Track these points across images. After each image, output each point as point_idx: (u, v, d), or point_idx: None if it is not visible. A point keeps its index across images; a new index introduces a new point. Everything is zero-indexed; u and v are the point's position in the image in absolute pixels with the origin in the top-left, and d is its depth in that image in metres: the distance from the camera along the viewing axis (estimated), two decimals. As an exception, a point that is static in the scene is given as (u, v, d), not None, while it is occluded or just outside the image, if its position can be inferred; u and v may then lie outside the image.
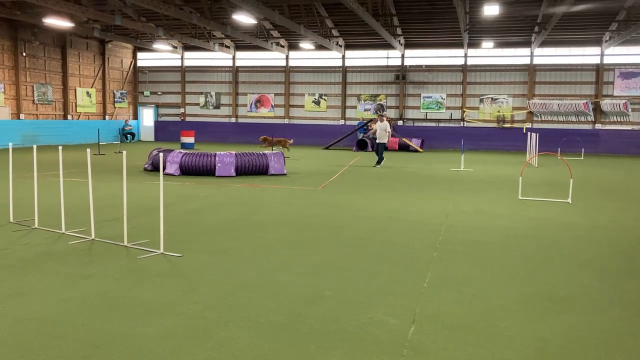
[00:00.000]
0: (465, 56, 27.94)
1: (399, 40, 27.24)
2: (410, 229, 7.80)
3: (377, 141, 17.77)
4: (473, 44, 27.23)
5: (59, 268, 5.56)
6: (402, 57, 28.65)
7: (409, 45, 28.40)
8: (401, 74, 28.46)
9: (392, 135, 26.21)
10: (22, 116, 25.07)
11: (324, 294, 4.89)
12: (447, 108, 28.48)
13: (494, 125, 27.92)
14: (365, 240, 7.05)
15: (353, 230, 7.67)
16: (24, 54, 25.00)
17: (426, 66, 28.55)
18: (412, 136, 26.87)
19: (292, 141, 22.86)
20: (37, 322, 4.16)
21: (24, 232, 7.14)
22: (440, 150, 27.19)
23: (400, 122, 28.85)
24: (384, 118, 17.93)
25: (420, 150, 25.26)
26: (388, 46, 27.34)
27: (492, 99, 27.91)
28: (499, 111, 27.85)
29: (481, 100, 28.06)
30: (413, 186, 12.78)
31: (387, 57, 29.17)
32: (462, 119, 28.21)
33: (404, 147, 25.54)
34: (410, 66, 28.75)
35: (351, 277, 5.40)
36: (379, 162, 17.74)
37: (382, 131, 17.65)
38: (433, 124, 28.68)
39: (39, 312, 4.34)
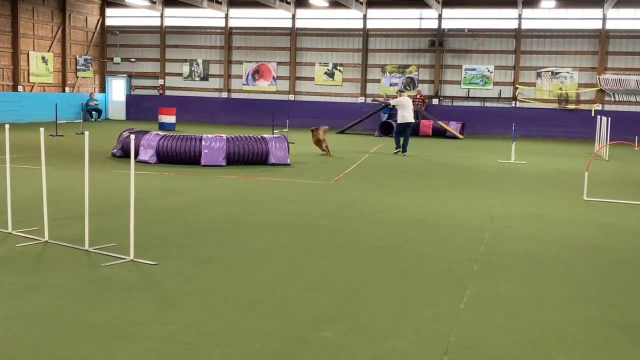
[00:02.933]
0: (520, 18, 27.77)
1: (436, -3, 27.12)
2: (444, 235, 7.78)
3: (400, 122, 18.23)
4: (529, 3, 27.06)
5: (3, 276, 5.60)
6: (439, 18, 28.54)
7: (447, 2, 28.28)
8: (437, 40, 28.37)
9: (424, 117, 26.19)
10: (-39, 86, 25.29)
11: (333, 315, 4.89)
12: (495, 84, 28.36)
13: (555, 106, 27.77)
14: (387, 248, 7.04)
15: (372, 236, 7.66)
16: (-35, 9, 25.20)
17: (469, 30, 28.42)
18: (449, 119, 26.81)
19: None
20: (-25, 343, 4.19)
21: (-40, 231, 7.20)
22: (485, 136, 27.10)
23: (435, 101, 28.77)
24: (404, 94, 18.62)
25: (460, 136, 25.20)
26: (421, 3, 27.23)
27: (552, 73, 27.75)
28: (560, 89, 27.68)
29: (539, 75, 27.90)
30: (449, 182, 12.74)
31: (420, 18, 29.08)
32: (514, 98, 28.08)
33: (440, 133, 25.49)
34: (449, 30, 28.63)
35: (369, 295, 5.39)
36: (404, 150, 18.16)
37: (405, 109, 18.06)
38: (477, 104, 28.57)
39: (-22, 332, 4.37)
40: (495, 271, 6.26)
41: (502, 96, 28.30)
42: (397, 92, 20.30)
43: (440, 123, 25.46)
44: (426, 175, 13.65)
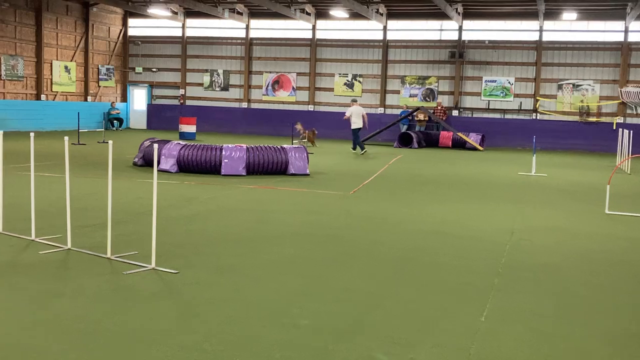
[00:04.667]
0: (541, 30, 27.67)
1: (456, 8, 27.12)
2: (464, 248, 7.76)
3: (353, 127, 21.52)
4: (551, 15, 26.95)
5: (27, 283, 5.67)
6: (460, 29, 28.52)
7: (468, 14, 28.25)
8: (458, 52, 28.33)
9: (444, 129, 26.17)
10: (-14, 95, 25.66)
11: (354, 326, 4.89)
12: (516, 96, 28.25)
13: (576, 118, 27.58)
14: (407, 260, 7.03)
15: (392, 247, 7.65)
16: (-9, 19, 25.59)
17: (490, 42, 28.36)
18: (469, 130, 26.72)
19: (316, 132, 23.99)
20: (4, 349, 4.24)
21: (-15, 237, 7.31)
22: (506, 148, 26.98)
23: (455, 112, 28.71)
24: (355, 104, 22.10)
25: (480, 148, 25.10)
26: (442, 15, 27.24)
27: (573, 85, 27.58)
28: (582, 101, 27.51)
29: (559, 87, 27.76)
30: (469, 194, 12.70)
31: (441, 30, 29.08)
32: (535, 110, 27.95)
33: (460, 144, 25.42)
34: (469, 41, 28.60)
35: (389, 307, 5.39)
36: (362, 148, 21.44)
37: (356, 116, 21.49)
38: (497, 116, 28.47)
39: (3, 337, 4.42)
40: (516, 284, 6.23)
41: (522, 108, 28.17)
42: (350, 102, 23.13)
43: (460, 134, 25.39)
44: (446, 187, 13.62)
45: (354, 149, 21.97)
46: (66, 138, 6.91)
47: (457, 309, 5.41)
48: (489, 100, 28.58)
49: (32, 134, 7.32)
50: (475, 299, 5.67)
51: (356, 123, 21.56)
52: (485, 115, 28.62)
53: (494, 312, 5.32)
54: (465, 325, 4.99)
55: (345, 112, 22.57)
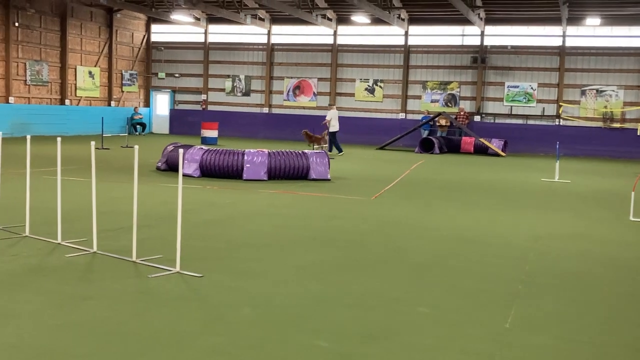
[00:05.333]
0: (564, 35, 27.48)
1: (478, 14, 27.03)
2: (488, 254, 7.72)
3: (331, 130, 22.47)
4: (574, 20, 26.76)
5: (54, 286, 5.74)
6: (482, 35, 28.41)
7: (490, 20, 28.14)
8: (480, 57, 28.22)
9: (466, 135, 26.06)
10: (11, 99, 26.01)
11: (378, 331, 4.90)
12: (539, 101, 28.07)
13: (599, 124, 27.32)
14: (430, 266, 7.02)
15: (415, 253, 7.65)
16: (17, 24, 25.94)
17: (512, 47, 28.22)
18: (491, 136, 26.59)
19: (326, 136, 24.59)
20: (29, 350, 4.30)
21: (12, 240, 7.40)
22: (528, 154, 26.79)
23: (477, 118, 28.59)
24: (334, 107, 23.27)
25: (503, 154, 24.96)
26: (464, 21, 27.16)
27: (597, 91, 27.34)
28: (605, 107, 27.25)
29: (583, 93, 27.52)
30: (492, 200, 12.64)
31: (463, 35, 28.99)
32: (558, 116, 27.73)
33: (482, 150, 25.29)
34: (491, 47, 28.48)
35: (412, 313, 5.38)
36: (340, 150, 22.37)
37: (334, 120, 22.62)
38: (520, 121, 28.30)
39: (31, 339, 4.49)
40: (540, 291, 6.19)
41: (545, 114, 27.98)
42: (328, 106, 24.29)
43: (482, 140, 25.27)
44: (468, 193, 13.56)
45: (330, 150, 22.41)
46: (92, 143, 6.99)
47: (481, 315, 5.39)
48: (511, 106, 28.42)
49: (59, 139, 7.41)
50: (499, 306, 5.65)
51: (335, 126, 22.67)
52: (508, 120, 28.46)
53: (519, 319, 5.29)
54: (490, 332, 4.97)
55: (327, 116, 23.08)
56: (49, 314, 5.02)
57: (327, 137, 23.29)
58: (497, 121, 28.60)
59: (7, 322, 4.79)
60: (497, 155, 24.83)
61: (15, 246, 7.16)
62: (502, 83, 28.46)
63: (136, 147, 6.67)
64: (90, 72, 29.86)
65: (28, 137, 7.86)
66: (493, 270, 6.92)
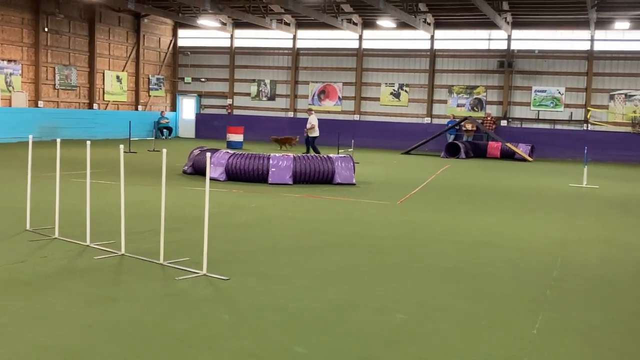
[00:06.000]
0: (592, 39, 27.21)
1: (505, 18, 26.89)
2: (514, 259, 7.67)
3: (311, 135, 22.88)
4: (602, 24, 26.48)
5: (83, 287, 5.82)
6: (509, 39, 28.25)
7: (517, 24, 27.97)
8: (507, 61, 28.05)
9: (492, 139, 25.91)
10: (40, 103, 26.42)
11: (403, 336, 4.89)
12: (566, 106, 27.81)
13: (628, 129, 26.98)
14: (455, 271, 6.99)
15: (439, 258, 7.62)
16: (46, 29, 26.35)
17: (539, 51, 28.01)
18: (518, 141, 26.39)
19: (298, 139, 25.40)
20: (58, 350, 4.37)
21: (42, 242, 7.52)
22: (556, 159, 26.54)
23: (504, 122, 28.39)
24: (312, 112, 23.59)
25: (530, 159, 24.76)
26: (490, 25, 27.02)
27: (625, 95, 27.02)
28: (634, 112, 26.91)
29: (611, 97, 27.22)
30: (519, 205, 12.55)
31: (489, 39, 28.86)
32: (586, 121, 27.44)
33: (509, 155, 25.12)
34: (518, 51, 28.30)
35: (438, 317, 5.37)
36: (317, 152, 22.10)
37: (309, 124, 22.82)
38: (547, 126, 28.08)
39: (60, 339, 4.56)
40: (568, 297, 6.14)
41: (573, 119, 27.70)
42: (309, 111, 24.28)
43: (509, 145, 25.09)
44: (495, 198, 13.47)
45: (310, 152, 22.53)
46: (121, 146, 7.09)
47: (508, 320, 5.36)
48: (538, 111, 28.19)
49: (88, 142, 7.52)
50: (526, 311, 5.61)
51: (317, 131, 23.11)
52: (535, 125, 28.24)
53: (546, 325, 5.25)
54: (517, 337, 4.95)
55: (310, 121, 23.06)
56: (78, 315, 5.09)
57: (297, 137, 24.44)
58: (524, 126, 28.40)
59: (37, 323, 4.87)
60: (524, 160, 24.64)
61: (45, 248, 7.27)
62: (529, 87, 28.26)
63: (164, 150, 6.75)
64: (117, 77, 30.22)
65: (58, 140, 7.98)
66: (520, 276, 6.87)
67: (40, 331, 4.70)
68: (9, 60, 25.09)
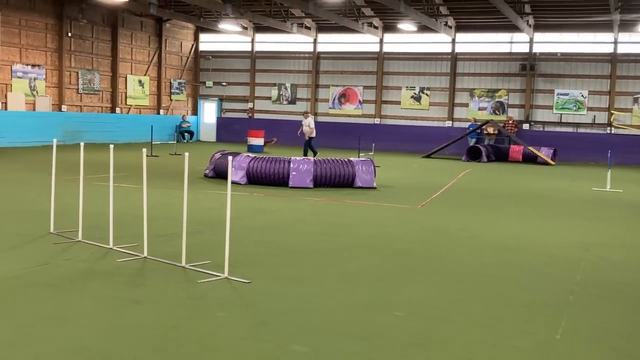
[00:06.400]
0: (615, 42, 26.93)
1: (527, 21, 26.71)
2: (537, 264, 7.62)
3: (310, 137, 22.95)
4: (626, 26, 26.20)
5: (106, 290, 5.88)
6: (531, 41, 28.06)
7: (539, 26, 27.77)
8: (529, 64, 27.87)
9: (514, 143, 25.75)
10: (64, 108, 26.70)
11: (424, 340, 4.88)
12: (589, 109, 27.54)
13: (653, 132, 26.65)
14: (476, 275, 6.96)
15: (461, 262, 7.59)
16: (70, 34, 26.65)
17: (562, 54, 27.78)
18: (540, 144, 26.17)
19: (275, 140, 25.74)
20: (82, 352, 4.41)
21: (65, 245, 7.61)
22: (579, 163, 26.30)
23: (526, 126, 28.21)
24: (309, 115, 23.69)
25: (552, 162, 24.55)
26: (512, 27, 26.86)
27: (650, 98, 26.70)
28: (659, 114, 26.57)
29: (635, 100, 26.91)
30: (541, 209, 12.45)
31: (511, 42, 28.68)
32: (609, 124, 27.15)
33: (531, 158, 24.92)
34: (540, 54, 28.10)
35: (459, 322, 5.35)
36: (315, 154, 22.38)
37: (306, 127, 22.93)
38: (570, 129, 27.82)
39: (85, 341, 4.60)
40: (592, 302, 6.08)
41: (596, 122, 27.43)
42: (305, 113, 24.21)
43: (531, 149, 24.91)
44: (517, 202, 13.38)
45: (305, 154, 22.55)
46: (144, 150, 7.15)
47: (531, 325, 5.32)
48: (561, 114, 27.95)
49: (111, 146, 7.60)
50: (549, 316, 5.56)
51: (313, 133, 23.24)
52: (557, 129, 28.00)
53: (570, 330, 5.21)
54: (540, 343, 4.91)
55: (307, 125, 23.04)
56: (101, 317, 5.15)
57: (275, 139, 24.98)
58: (546, 129, 28.17)
59: (61, 325, 4.93)
60: (546, 164, 24.44)
61: (68, 250, 7.35)
62: (552, 91, 28.03)
63: (186, 154, 6.79)
64: (140, 81, 30.47)
65: (82, 144, 8.07)
66: (542, 280, 6.82)
67: (64, 333, 4.75)
68: (33, 65, 25.41)
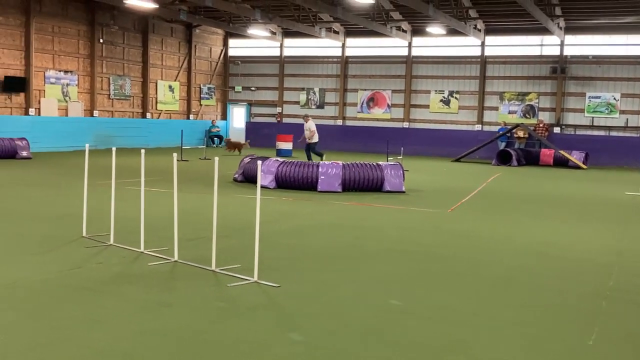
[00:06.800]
0: (648, 43, 26.52)
1: (558, 23, 26.42)
2: (569, 269, 7.53)
3: (311, 141, 22.45)
4: (660, 28, 25.77)
5: (137, 293, 5.94)
6: (562, 44, 27.76)
7: (570, 29, 27.46)
8: (559, 67, 27.57)
9: (545, 146, 25.49)
10: (96, 113, 27.08)
11: (454, 345, 4.85)
12: (622, 112, 27.14)
13: (688, 135, 26.17)
14: (507, 280, 6.90)
15: (491, 266, 7.53)
16: (101, 41, 27.04)
17: (594, 57, 27.42)
18: (572, 148, 25.86)
19: (247, 143, 25.80)
20: (114, 354, 4.47)
21: (97, 249, 7.71)
22: (611, 167, 25.92)
23: (557, 129, 27.89)
24: (309, 118, 22.98)
25: (584, 166, 24.25)
26: (542, 30, 26.60)
27: (685, 100, 26.23)
28: (694, 117, 26.09)
29: (670, 102, 26.46)
30: (572, 213, 12.30)
31: (541, 45, 28.42)
32: (642, 127, 26.74)
33: (562, 162, 24.64)
34: (572, 56, 27.78)
35: (491, 326, 5.31)
36: (321, 156, 21.78)
37: (308, 131, 22.34)
38: (602, 133, 27.45)
39: (116, 344, 4.66)
40: (627, 308, 5.99)
41: (629, 125, 27.02)
42: (305, 116, 23.27)
43: (562, 152, 24.63)
44: (548, 206, 13.23)
45: (313, 157, 21.94)
46: (174, 155, 7.22)
47: (562, 331, 5.26)
48: (592, 117, 27.59)
49: (142, 151, 7.69)
50: (581, 322, 5.50)
51: (316, 137, 22.69)
52: (589, 132, 27.64)
53: (603, 336, 5.14)
54: (572, 348, 4.85)
55: (307, 129, 22.38)
56: (132, 320, 5.21)
57: (248, 143, 25.16)
58: (577, 133, 27.83)
59: (94, 328, 5.00)
60: (577, 167, 24.14)
61: (100, 254, 7.45)
62: (583, 94, 27.69)
63: (216, 159, 6.85)
64: (170, 86, 30.78)
65: (114, 149, 8.18)
66: (574, 286, 6.74)
67: (96, 336, 4.82)
68: (66, 71, 25.82)
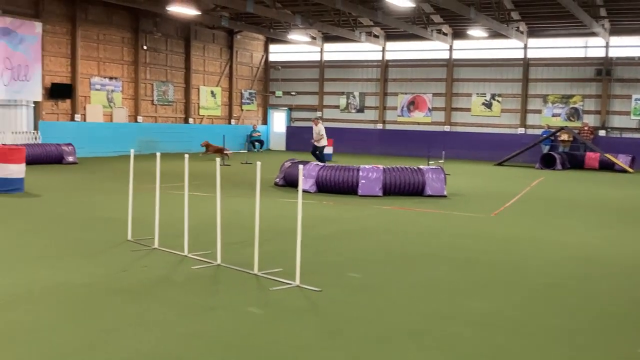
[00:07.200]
0: (698, 44, 25.83)
1: (602, 25, 25.93)
2: (617, 275, 7.36)
3: (319, 145, 21.91)
4: None
5: (181, 296, 6.01)
6: (607, 46, 27.23)
7: (616, 30, 26.92)
8: (604, 69, 27.03)
9: (590, 150, 25.02)
10: (139, 119, 27.51)
11: (498, 352, 4.79)
12: (670, 114, 26.47)
13: None
14: (553, 287, 6.78)
15: (537, 272, 7.41)
16: (145, 47, 27.48)
17: (640, 58, 26.84)
18: (618, 151, 25.31)
19: (228, 152, 24.50)
20: (159, 357, 4.52)
21: (142, 252, 7.82)
22: (658, 170, 25.29)
23: (602, 132, 27.34)
24: (319, 121, 22.45)
25: (630, 170, 23.71)
26: (587, 32, 26.13)
27: None
28: None
29: None
30: (620, 218, 12.04)
31: (585, 47, 27.93)
32: (692, 129, 26.04)
33: (608, 166, 24.15)
34: (617, 58, 27.22)
35: (535, 334, 5.21)
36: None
37: (317, 135, 21.84)
38: (648, 136, 26.81)
39: (160, 346, 4.72)
40: (676, 315, 5.84)
41: (677, 127, 26.37)
42: (315, 119, 22.80)
43: (608, 156, 24.13)
44: (594, 211, 12.97)
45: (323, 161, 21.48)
46: (217, 159, 7.29)
47: (611, 338, 5.14)
48: (639, 120, 26.98)
49: (186, 156, 7.78)
50: (629, 329, 5.37)
51: (325, 140, 22.30)
52: (636, 135, 27.03)
53: (653, 344, 5.01)
54: (620, 356, 4.74)
55: (317, 132, 21.76)
56: (177, 323, 5.26)
57: (228, 148, 24.40)
58: (623, 136, 27.24)
59: (139, 331, 5.06)
60: (624, 171, 23.62)
61: (145, 258, 7.55)
62: (629, 96, 27.09)
63: (258, 163, 6.89)
64: (212, 92, 31.11)
65: (158, 154, 8.29)
66: (622, 292, 6.59)
67: (142, 338, 4.88)
68: (111, 78, 26.31)
